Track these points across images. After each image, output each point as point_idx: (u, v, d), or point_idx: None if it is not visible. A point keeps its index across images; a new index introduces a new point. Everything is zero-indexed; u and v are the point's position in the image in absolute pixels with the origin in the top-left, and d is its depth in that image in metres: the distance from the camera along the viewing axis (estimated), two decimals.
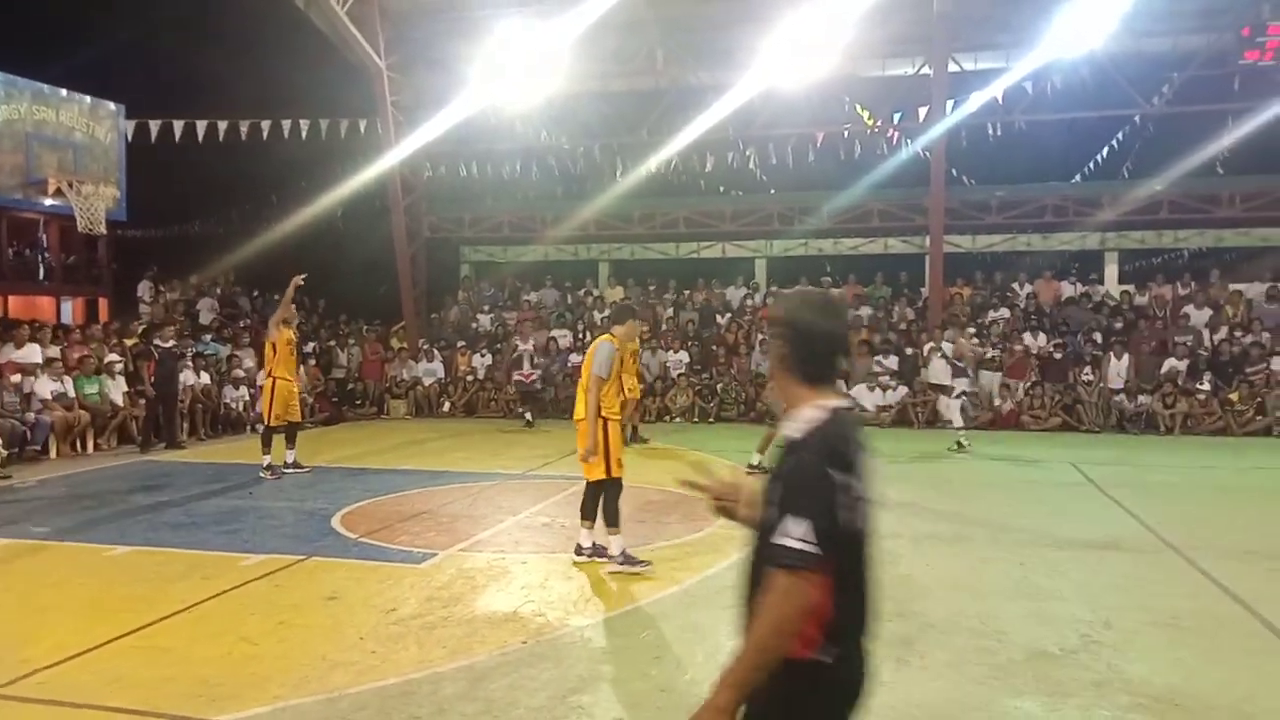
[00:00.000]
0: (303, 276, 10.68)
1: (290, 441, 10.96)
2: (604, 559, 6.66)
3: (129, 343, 14.80)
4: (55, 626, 5.41)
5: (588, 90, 19.66)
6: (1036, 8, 16.39)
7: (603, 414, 6.52)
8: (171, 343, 13.66)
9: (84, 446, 12.99)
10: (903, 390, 16.09)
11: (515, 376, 16.91)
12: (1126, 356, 15.85)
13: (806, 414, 2.17)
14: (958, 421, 13.46)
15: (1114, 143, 19.65)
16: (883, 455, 12.14)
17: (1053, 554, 7.09)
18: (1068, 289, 18.95)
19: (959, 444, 12.79)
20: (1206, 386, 15.11)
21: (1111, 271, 20.28)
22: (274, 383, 10.65)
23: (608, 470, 6.57)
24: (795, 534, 2.01)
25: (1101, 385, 15.66)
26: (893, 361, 16.73)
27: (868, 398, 15.89)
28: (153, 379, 13.36)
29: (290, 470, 10.82)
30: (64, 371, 13.01)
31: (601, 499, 6.64)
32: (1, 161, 11.44)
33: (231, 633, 5.29)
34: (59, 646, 5.03)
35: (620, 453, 6.65)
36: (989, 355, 15.99)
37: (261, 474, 10.51)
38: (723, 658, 4.78)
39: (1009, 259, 20.89)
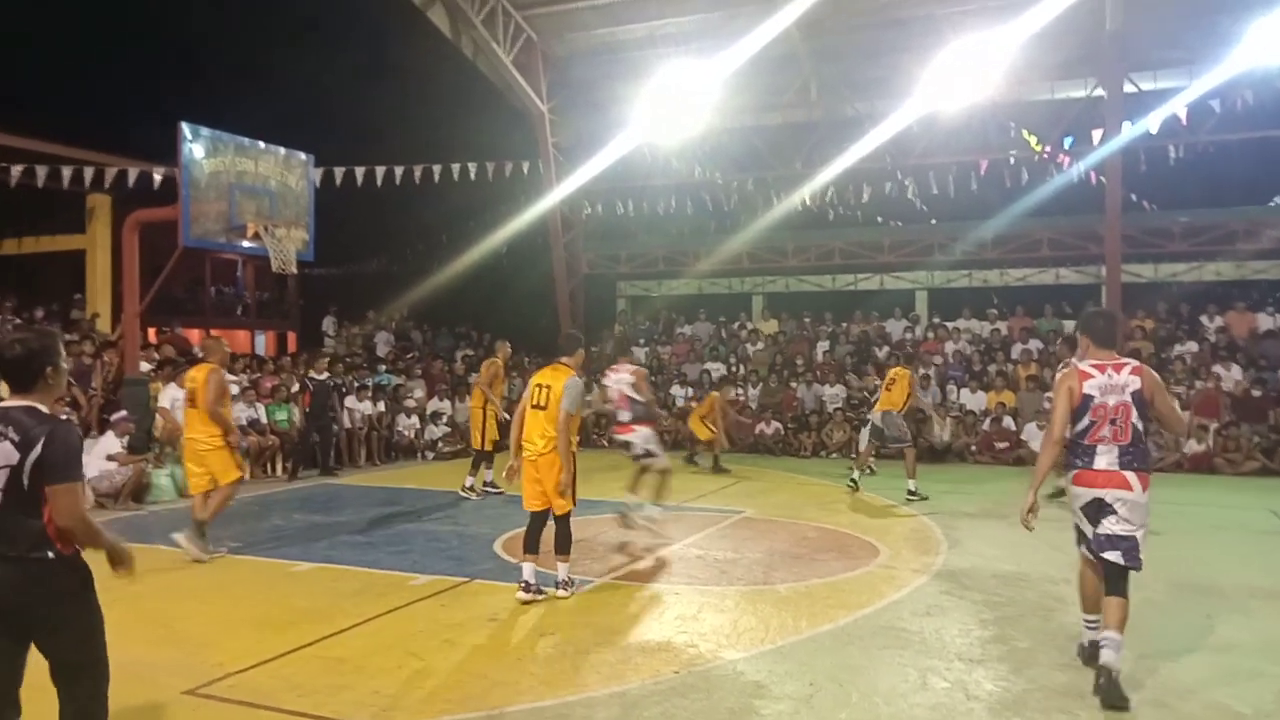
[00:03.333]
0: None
1: (489, 462, 11.96)
2: (562, 589, 6.78)
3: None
4: (244, 634, 5.88)
5: (741, 125, 19.84)
6: (1219, 21, 15.35)
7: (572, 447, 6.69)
8: (325, 375, 14.42)
9: (274, 469, 14.03)
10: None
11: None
12: None
13: None
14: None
15: None
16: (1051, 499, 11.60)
17: (1242, 605, 6.54)
18: (1265, 320, 17.45)
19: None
20: None
21: None
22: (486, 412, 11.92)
23: (573, 500, 6.80)
24: None
25: None
26: None
27: (1037, 436, 15.11)
28: (307, 409, 14.21)
29: (489, 489, 11.84)
30: (256, 399, 14.11)
31: (556, 528, 6.84)
32: (208, 209, 12.49)
33: (401, 648, 5.59)
34: (248, 652, 5.46)
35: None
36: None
37: (470, 493, 11.57)
38: (878, 697, 4.72)
39: (1196, 289, 19.45)
